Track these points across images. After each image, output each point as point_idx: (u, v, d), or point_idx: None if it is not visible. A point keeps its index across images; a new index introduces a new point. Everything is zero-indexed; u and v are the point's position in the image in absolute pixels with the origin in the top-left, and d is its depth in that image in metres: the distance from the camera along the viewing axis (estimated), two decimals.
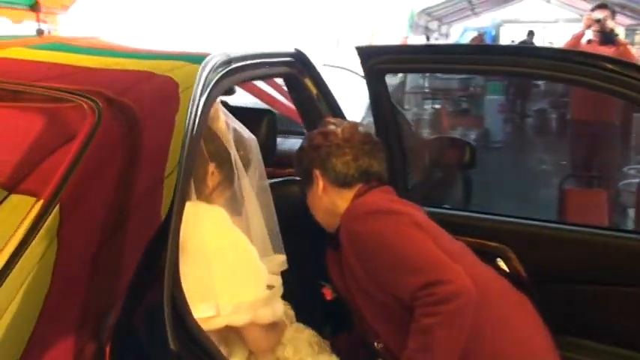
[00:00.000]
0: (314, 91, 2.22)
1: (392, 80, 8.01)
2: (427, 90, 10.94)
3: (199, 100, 1.44)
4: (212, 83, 1.55)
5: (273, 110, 2.51)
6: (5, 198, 1.16)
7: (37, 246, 1.06)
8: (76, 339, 1.03)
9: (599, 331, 1.91)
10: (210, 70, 1.55)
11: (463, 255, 1.78)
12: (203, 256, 1.48)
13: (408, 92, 10.42)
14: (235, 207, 1.72)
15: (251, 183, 1.76)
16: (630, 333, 1.89)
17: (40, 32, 6.46)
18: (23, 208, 1.11)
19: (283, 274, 1.76)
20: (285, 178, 2.34)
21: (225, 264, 1.51)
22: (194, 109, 1.40)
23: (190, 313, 1.23)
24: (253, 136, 1.83)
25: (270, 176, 1.97)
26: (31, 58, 1.74)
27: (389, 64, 2.01)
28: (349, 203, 1.85)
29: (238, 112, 2.70)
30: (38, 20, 6.63)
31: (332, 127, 1.95)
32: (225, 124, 1.71)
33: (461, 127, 9.86)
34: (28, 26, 6.88)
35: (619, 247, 1.93)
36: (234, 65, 1.72)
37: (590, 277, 1.93)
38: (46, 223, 1.09)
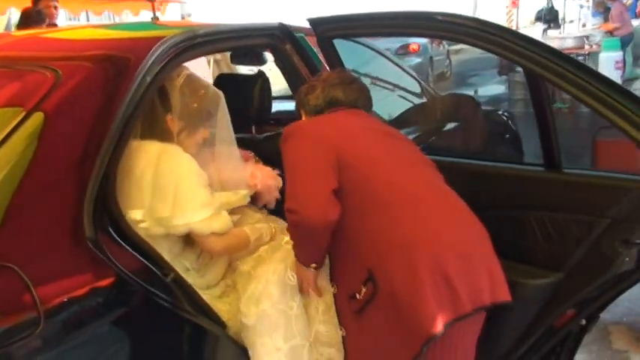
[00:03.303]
0: (296, 59, 2.59)
1: None
2: None
3: (149, 69, 1.90)
4: (170, 56, 2.02)
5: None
6: None
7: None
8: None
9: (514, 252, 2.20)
10: (170, 45, 2.02)
11: (381, 164, 1.98)
12: (152, 180, 1.95)
13: None
14: (203, 150, 2.19)
15: (213, 132, 2.19)
16: (540, 253, 2.19)
17: (154, 20, 7.26)
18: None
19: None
20: (277, 132, 2.75)
21: (169, 187, 1.96)
22: (140, 76, 1.86)
23: (119, 213, 1.74)
24: (218, 92, 2.19)
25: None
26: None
27: (336, 31, 2.39)
28: None
29: (236, 78, 3.21)
30: (153, 10, 7.46)
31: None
32: (184, 82, 2.12)
33: None
34: (146, 16, 7.79)
35: (520, 178, 2.25)
36: (200, 40, 2.18)
37: (508, 204, 2.22)
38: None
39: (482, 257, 1.90)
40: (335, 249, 1.98)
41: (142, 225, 1.90)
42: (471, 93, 7.85)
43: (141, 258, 1.76)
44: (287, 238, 2.12)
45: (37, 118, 1.72)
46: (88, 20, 10.11)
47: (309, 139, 2.00)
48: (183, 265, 2.09)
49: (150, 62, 1.89)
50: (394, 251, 1.82)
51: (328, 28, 2.38)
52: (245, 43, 2.58)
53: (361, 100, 2.21)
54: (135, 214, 1.90)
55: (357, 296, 1.86)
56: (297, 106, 2.28)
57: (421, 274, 1.77)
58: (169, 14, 9.11)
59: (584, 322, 2.24)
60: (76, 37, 2.45)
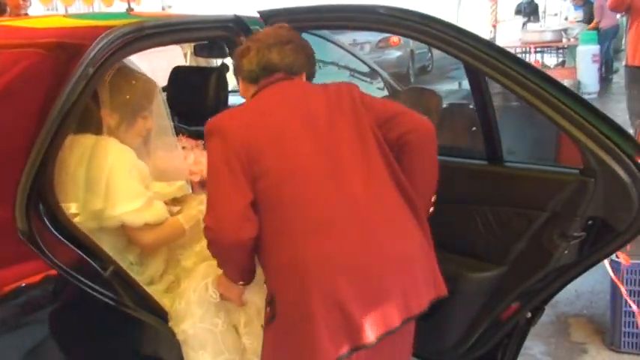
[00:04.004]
0: None
1: None
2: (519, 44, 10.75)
3: (91, 60, 1.88)
4: (115, 48, 2.00)
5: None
6: None
7: None
8: None
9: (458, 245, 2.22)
10: (117, 36, 1.99)
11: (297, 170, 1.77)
12: (85, 173, 1.95)
13: None
14: (142, 142, 2.17)
15: (148, 123, 2.15)
16: (483, 246, 2.21)
17: (129, 10, 7.24)
18: None
19: None
20: None
21: (100, 180, 1.95)
22: (82, 67, 1.85)
23: (56, 205, 1.72)
24: (152, 81, 2.17)
25: None
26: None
27: (283, 22, 2.39)
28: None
29: (192, 70, 3.18)
30: (128, 1, 7.44)
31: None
32: (114, 75, 2.06)
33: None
34: (120, 7, 7.77)
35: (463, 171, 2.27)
36: (147, 32, 2.16)
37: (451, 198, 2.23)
38: None
39: (398, 277, 1.74)
40: (260, 259, 1.85)
41: (76, 219, 1.89)
42: (454, 87, 7.87)
43: (78, 251, 1.74)
44: None
45: None
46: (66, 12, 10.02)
47: (226, 141, 1.76)
48: (127, 260, 2.09)
49: (93, 53, 1.85)
50: (291, 276, 1.71)
51: (276, 20, 2.38)
52: (198, 35, 2.56)
53: (299, 63, 1.93)
54: (69, 208, 1.89)
55: (265, 311, 1.81)
56: (234, 72, 2.07)
57: (313, 301, 1.66)
58: (147, 5, 9.07)
59: (529, 314, 2.26)
60: (35, 25, 2.43)
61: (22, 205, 1.62)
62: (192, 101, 2.75)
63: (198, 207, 2.15)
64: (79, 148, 1.97)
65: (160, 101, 2.21)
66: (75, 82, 1.78)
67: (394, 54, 11.57)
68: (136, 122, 2.12)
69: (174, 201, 2.18)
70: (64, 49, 1.93)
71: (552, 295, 2.21)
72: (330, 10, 2.27)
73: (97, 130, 2.05)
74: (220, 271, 1.95)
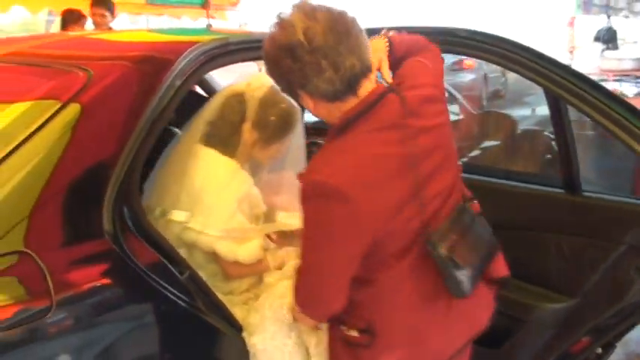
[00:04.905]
0: None
1: None
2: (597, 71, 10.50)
3: (178, 73, 1.95)
4: (201, 62, 2.05)
5: None
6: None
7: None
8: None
9: (530, 273, 2.17)
10: (201, 52, 2.06)
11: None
12: (197, 189, 2.00)
13: None
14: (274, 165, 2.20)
15: (282, 148, 2.13)
16: (556, 276, 2.16)
17: (209, 27, 7.42)
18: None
19: None
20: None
21: (208, 201, 1.99)
22: (169, 80, 1.92)
23: (139, 209, 1.78)
24: (297, 107, 2.09)
25: None
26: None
27: None
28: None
29: None
30: (208, 16, 7.62)
31: (289, 27, 1.52)
32: (265, 93, 2.06)
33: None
34: (203, 23, 7.98)
35: (539, 199, 2.22)
36: (231, 48, 2.22)
37: (525, 225, 2.20)
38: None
39: None
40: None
41: (175, 230, 1.98)
42: (527, 112, 7.74)
43: (157, 253, 1.78)
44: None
45: (74, 109, 1.78)
46: (147, 24, 10.39)
47: (343, 216, 1.46)
48: (212, 270, 2.12)
49: (181, 66, 1.92)
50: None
51: None
52: None
53: (367, 56, 1.55)
54: (177, 216, 1.98)
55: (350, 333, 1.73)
56: (286, 85, 1.59)
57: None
58: (231, 22, 9.30)
59: (600, 350, 2.20)
60: (120, 39, 2.56)
61: (109, 207, 1.68)
62: None
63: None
64: (202, 162, 2.04)
65: (300, 130, 2.18)
66: (163, 93, 1.84)
67: (467, 77, 11.46)
68: (272, 144, 2.12)
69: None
70: (150, 63, 2.01)
71: (624, 332, 2.14)
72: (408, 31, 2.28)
73: (234, 145, 2.08)
74: None
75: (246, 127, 2.07)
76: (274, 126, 2.08)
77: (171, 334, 1.87)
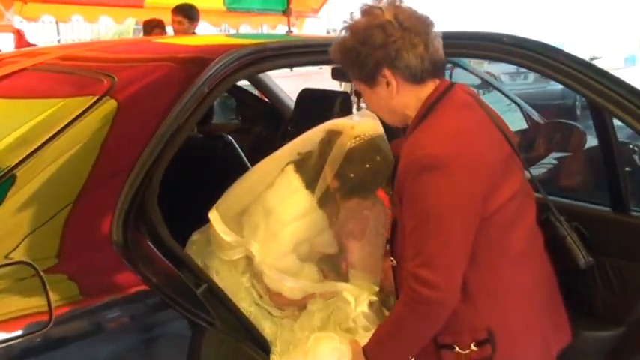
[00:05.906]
0: None
1: None
2: None
3: (207, 79, 1.91)
4: (234, 68, 2.00)
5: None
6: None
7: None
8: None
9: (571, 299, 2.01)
10: (235, 57, 1.96)
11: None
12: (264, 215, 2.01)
13: None
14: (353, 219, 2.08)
15: (363, 205, 2.06)
16: (586, 298, 2.00)
17: (288, 33, 7.44)
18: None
19: None
20: None
21: (272, 231, 1.98)
22: (197, 86, 1.89)
23: (157, 218, 1.73)
24: (384, 168, 1.95)
25: None
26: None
27: None
28: (420, 105, 1.63)
29: (319, 93, 3.16)
30: (289, 24, 7.64)
31: (377, 11, 1.58)
32: (357, 146, 1.93)
33: None
34: (281, 30, 8.05)
35: (584, 217, 2.00)
36: (268, 53, 2.16)
37: None
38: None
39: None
40: None
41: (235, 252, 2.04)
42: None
43: (172, 266, 1.71)
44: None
45: (110, 104, 1.77)
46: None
47: (464, 177, 1.51)
48: (257, 292, 2.08)
49: (210, 72, 1.85)
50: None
51: None
52: (323, 58, 2.55)
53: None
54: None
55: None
56: (373, 62, 1.58)
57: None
58: (309, 29, 9.34)
59: None
60: (182, 43, 2.57)
61: (120, 216, 1.62)
62: (316, 124, 2.75)
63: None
64: (283, 189, 2.03)
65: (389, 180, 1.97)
66: (186, 101, 1.78)
67: (559, 85, 10.93)
68: (351, 199, 2.00)
69: None
70: (194, 64, 1.94)
71: None
72: (451, 37, 2.17)
73: (314, 182, 2.00)
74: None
75: (328, 171, 1.96)
76: (352, 183, 1.95)
77: (180, 351, 1.75)
